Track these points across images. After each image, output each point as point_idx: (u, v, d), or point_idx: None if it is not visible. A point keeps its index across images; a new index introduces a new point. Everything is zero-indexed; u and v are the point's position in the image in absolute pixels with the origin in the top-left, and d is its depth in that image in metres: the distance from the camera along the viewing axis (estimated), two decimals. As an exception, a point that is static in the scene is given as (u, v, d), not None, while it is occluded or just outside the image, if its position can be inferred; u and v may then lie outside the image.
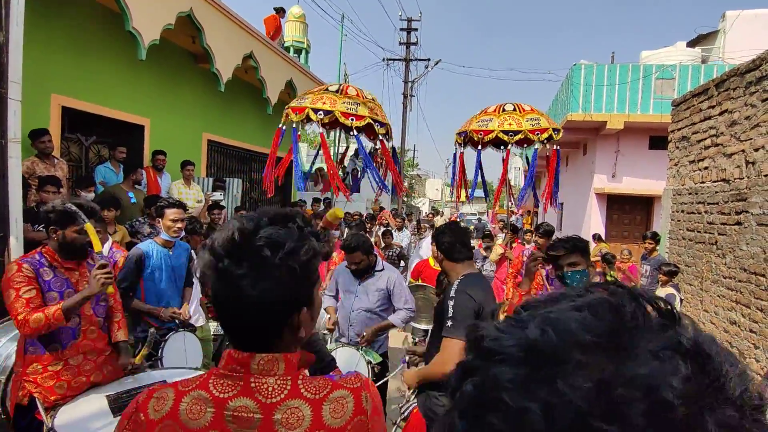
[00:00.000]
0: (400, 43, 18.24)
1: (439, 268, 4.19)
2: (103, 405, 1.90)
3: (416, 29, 18.24)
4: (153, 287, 2.96)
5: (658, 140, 11.50)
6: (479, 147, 4.83)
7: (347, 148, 5.66)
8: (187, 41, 6.28)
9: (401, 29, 18.16)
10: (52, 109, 4.85)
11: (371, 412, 0.81)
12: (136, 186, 5.36)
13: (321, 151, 5.13)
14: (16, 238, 3.26)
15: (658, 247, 5.90)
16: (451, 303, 1.88)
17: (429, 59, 18.34)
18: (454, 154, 5.52)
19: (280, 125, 4.45)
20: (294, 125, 4.53)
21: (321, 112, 4.09)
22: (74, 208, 2.05)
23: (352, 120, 4.01)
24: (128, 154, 5.64)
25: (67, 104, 5.01)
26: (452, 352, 1.80)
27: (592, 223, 12.40)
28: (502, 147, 5.12)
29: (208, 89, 6.99)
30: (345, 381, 0.82)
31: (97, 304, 2.24)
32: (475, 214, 34.58)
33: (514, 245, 5.60)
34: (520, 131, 4.41)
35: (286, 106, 4.37)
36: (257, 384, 0.75)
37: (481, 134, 4.56)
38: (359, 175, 5.78)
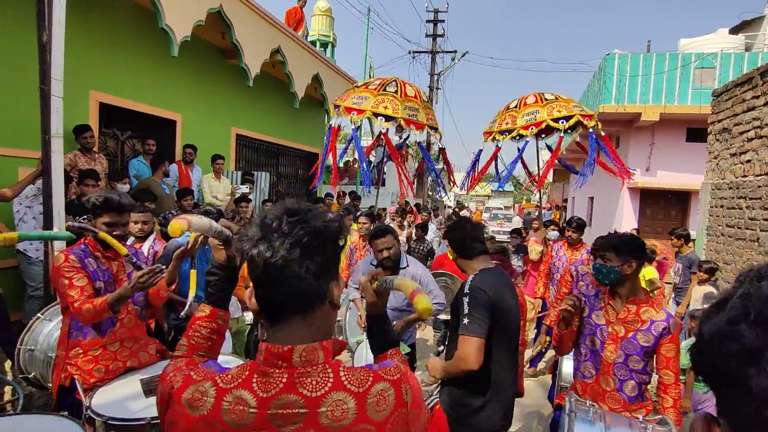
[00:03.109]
0: (427, 35, 18.05)
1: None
2: (137, 387, 2.01)
3: (443, 21, 18.00)
4: (187, 279, 3.05)
5: (696, 132, 11.02)
6: (517, 138, 4.83)
7: (375, 141, 5.72)
8: (217, 37, 6.40)
9: (428, 21, 17.96)
10: (90, 105, 5.04)
11: (411, 405, 0.81)
12: (165, 178, 5.53)
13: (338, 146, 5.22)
14: (59, 228, 3.41)
15: (690, 245, 5.64)
16: (465, 300, 1.87)
17: (455, 51, 18.09)
18: (480, 150, 5.49)
19: (333, 123, 4.57)
20: (333, 125, 4.63)
21: (336, 107, 4.18)
22: (113, 202, 2.14)
23: (353, 114, 4.08)
24: (161, 148, 5.81)
25: (103, 100, 5.20)
26: (469, 349, 1.79)
27: (625, 218, 12.03)
28: (517, 137, 5.05)
29: (236, 84, 7.11)
30: (385, 372, 0.82)
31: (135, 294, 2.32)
32: (501, 208, 34.08)
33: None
34: (572, 116, 4.38)
35: (338, 104, 4.43)
36: (301, 379, 0.76)
37: (532, 128, 4.54)
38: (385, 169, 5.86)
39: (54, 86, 3.33)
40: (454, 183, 5.65)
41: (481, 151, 5.42)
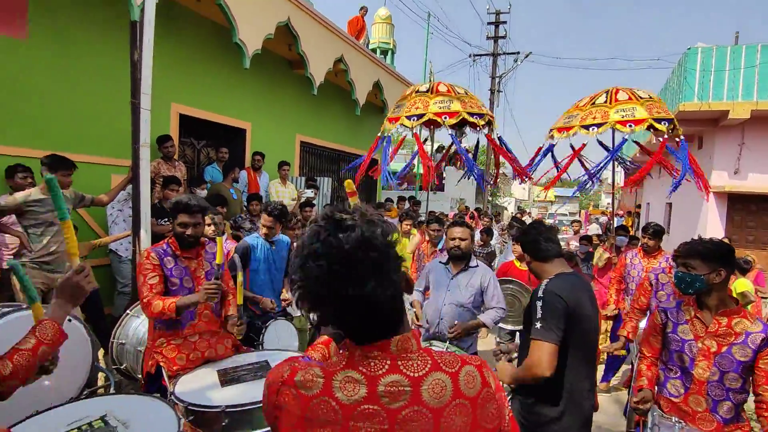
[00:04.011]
0: (488, 38, 17.72)
1: (525, 268, 4.05)
2: (214, 378, 2.18)
3: (505, 22, 17.58)
4: (255, 277, 3.24)
5: (796, 130, 9.87)
6: (553, 139, 4.64)
7: (437, 145, 5.75)
8: (284, 49, 6.71)
9: (489, 23, 17.63)
10: (171, 116, 5.48)
11: (495, 387, 0.89)
12: (234, 184, 5.86)
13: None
14: (145, 230, 3.72)
15: None
16: (539, 304, 1.79)
17: (518, 53, 17.58)
18: (552, 145, 5.29)
19: (379, 134, 4.69)
20: (388, 134, 4.74)
21: (414, 117, 4.23)
22: (182, 204, 2.32)
23: (445, 118, 4.09)
24: (231, 155, 6.18)
25: (183, 111, 5.63)
26: (541, 355, 1.72)
27: (709, 225, 10.99)
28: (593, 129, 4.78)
29: (301, 93, 7.40)
30: (469, 359, 0.90)
31: None
32: (566, 214, 32.56)
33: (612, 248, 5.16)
34: (604, 123, 4.11)
35: (422, 113, 4.60)
36: (402, 362, 0.83)
37: (564, 132, 4.33)
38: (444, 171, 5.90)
39: (143, 100, 3.65)
40: (522, 173, 5.44)
41: (553, 145, 5.17)
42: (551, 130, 5.02)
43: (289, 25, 5.69)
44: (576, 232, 9.18)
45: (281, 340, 3.07)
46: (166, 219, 4.33)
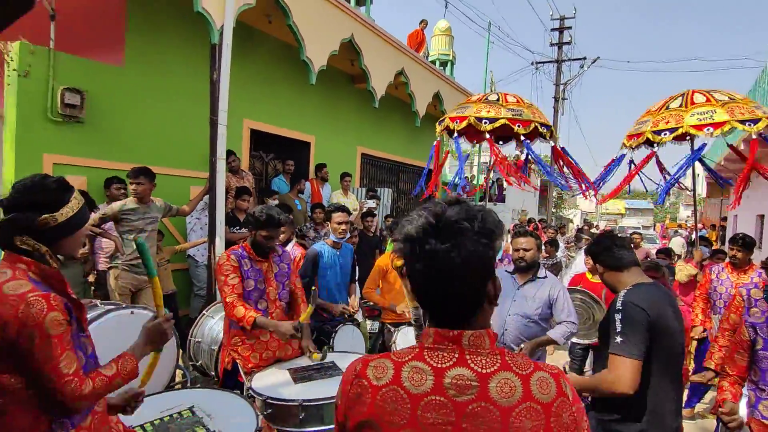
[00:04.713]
0: (551, 44, 17.22)
1: (597, 281, 3.82)
2: (287, 376, 2.31)
3: (570, 27, 17.00)
4: (324, 283, 3.35)
5: None
6: (656, 145, 4.30)
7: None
8: (347, 64, 6.94)
9: (552, 29, 17.14)
10: (243, 131, 5.84)
11: (572, 398, 0.84)
12: (300, 195, 6.10)
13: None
14: (219, 237, 3.99)
15: None
16: (618, 316, 1.67)
17: (584, 58, 16.91)
18: (622, 155, 4.99)
19: (438, 138, 4.76)
20: (439, 137, 4.77)
21: (486, 121, 4.26)
22: (275, 220, 2.46)
23: (518, 126, 4.13)
24: (296, 167, 6.47)
25: (253, 127, 5.98)
26: (622, 372, 1.60)
27: (811, 239, 9.78)
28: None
29: (362, 106, 7.60)
30: (544, 366, 0.87)
31: (282, 290, 2.65)
32: (638, 227, 30.46)
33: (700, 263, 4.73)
34: (724, 121, 3.77)
35: (444, 117, 4.63)
36: (471, 356, 0.83)
37: (666, 133, 4.02)
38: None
39: (221, 117, 3.93)
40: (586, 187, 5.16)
41: (623, 156, 4.88)
42: (648, 132, 4.71)
43: (352, 42, 5.90)
44: (636, 246, 7.75)
45: (348, 344, 3.18)
46: (239, 227, 4.59)
